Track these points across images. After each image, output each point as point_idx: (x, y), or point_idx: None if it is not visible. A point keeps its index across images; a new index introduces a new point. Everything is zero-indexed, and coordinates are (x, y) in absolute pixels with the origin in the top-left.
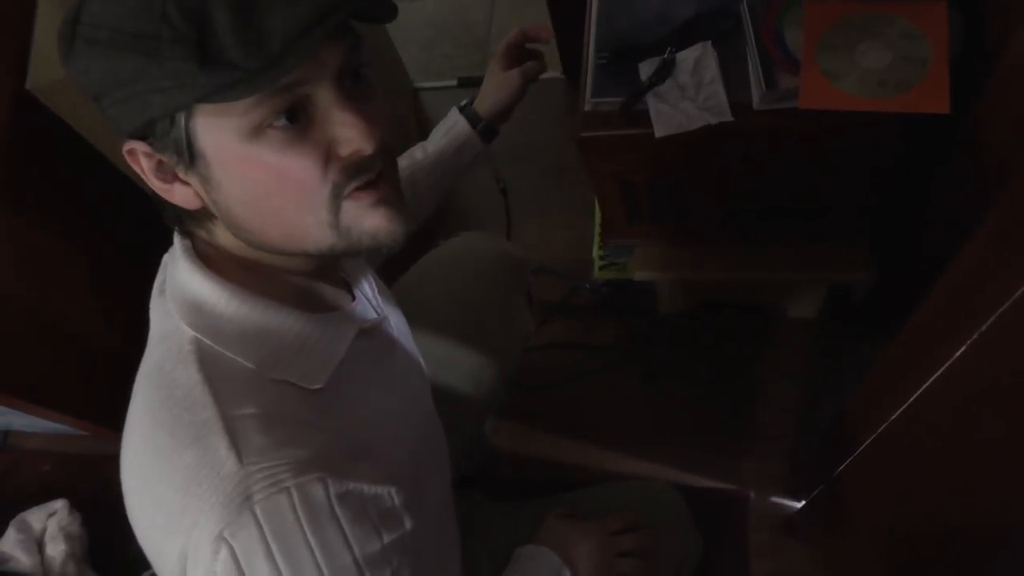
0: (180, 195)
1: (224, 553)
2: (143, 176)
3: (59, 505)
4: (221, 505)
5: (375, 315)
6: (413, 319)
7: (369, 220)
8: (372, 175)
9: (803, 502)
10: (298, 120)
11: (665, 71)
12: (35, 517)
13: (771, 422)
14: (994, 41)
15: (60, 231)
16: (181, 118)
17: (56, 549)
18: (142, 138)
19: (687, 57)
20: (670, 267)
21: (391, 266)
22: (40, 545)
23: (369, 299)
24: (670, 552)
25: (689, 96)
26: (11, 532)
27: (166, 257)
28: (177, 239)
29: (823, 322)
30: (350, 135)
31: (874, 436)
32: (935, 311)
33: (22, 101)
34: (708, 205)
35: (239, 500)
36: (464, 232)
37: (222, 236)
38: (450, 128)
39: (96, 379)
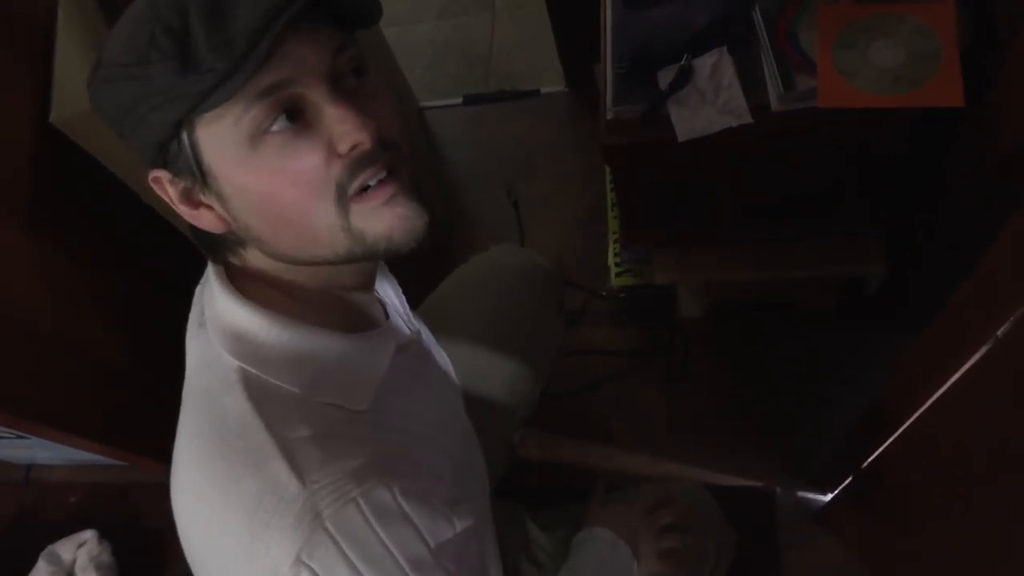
0: (207, 219)
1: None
2: (172, 205)
3: (88, 535)
4: (291, 528)
5: (408, 331)
6: (448, 332)
7: (382, 221)
8: (378, 170)
9: (831, 495)
10: (294, 121)
11: (683, 78)
12: (64, 548)
13: (791, 418)
14: (1004, 33)
15: (86, 260)
16: (185, 136)
17: None
18: (163, 165)
19: (704, 63)
20: (689, 269)
21: (418, 282)
22: None
23: (401, 315)
24: (707, 549)
25: (709, 101)
26: (41, 564)
27: (199, 289)
28: (211, 269)
29: (839, 316)
30: (346, 129)
31: (906, 426)
32: (968, 299)
33: (47, 133)
34: (727, 206)
35: (309, 519)
36: (494, 245)
37: (254, 258)
38: None
39: (124, 407)
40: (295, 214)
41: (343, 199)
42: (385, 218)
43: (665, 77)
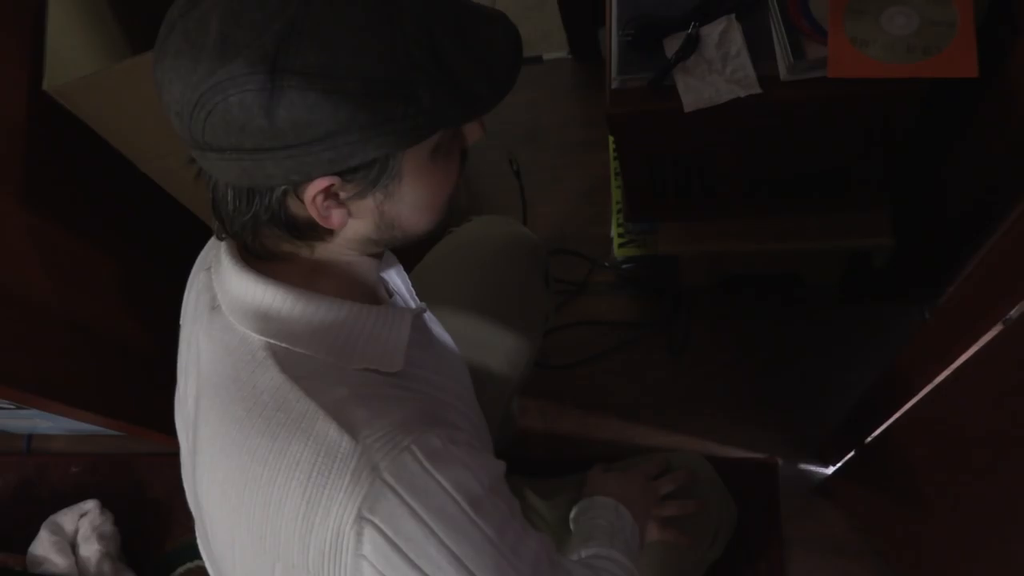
0: (337, 218)
1: (368, 532)
2: (309, 207)
3: (90, 505)
4: (350, 485)
5: (413, 303)
6: (436, 303)
7: (463, 200)
8: None
9: (833, 467)
10: None
11: (690, 46)
12: (67, 518)
13: (795, 391)
14: (1021, 4)
15: (83, 232)
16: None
17: (90, 549)
18: (338, 174)
19: (712, 31)
20: (694, 241)
21: (405, 253)
22: (74, 546)
23: (401, 291)
24: (707, 520)
25: (716, 70)
26: (44, 534)
27: (203, 275)
28: (223, 251)
29: (844, 291)
30: (477, 135)
31: (912, 403)
32: (981, 277)
33: (40, 102)
34: (733, 177)
35: (367, 473)
36: (476, 217)
37: (326, 247)
38: None
39: (125, 378)
40: (443, 201)
41: None
42: (464, 196)
43: (671, 45)
